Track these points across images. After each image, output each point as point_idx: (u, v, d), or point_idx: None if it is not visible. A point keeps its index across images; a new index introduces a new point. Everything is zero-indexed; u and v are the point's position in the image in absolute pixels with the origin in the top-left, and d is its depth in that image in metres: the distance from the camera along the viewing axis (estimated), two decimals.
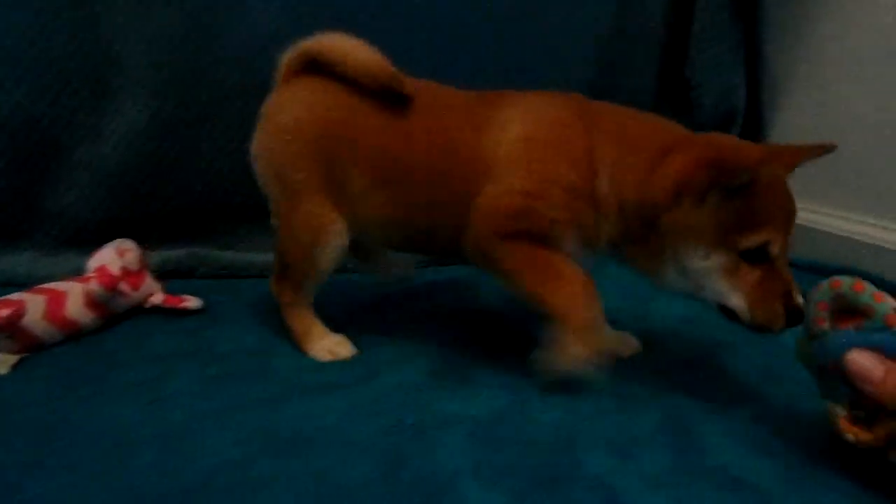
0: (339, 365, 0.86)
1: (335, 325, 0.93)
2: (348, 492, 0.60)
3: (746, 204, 0.68)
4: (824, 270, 1.25)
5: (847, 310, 0.61)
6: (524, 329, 0.93)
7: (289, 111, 0.87)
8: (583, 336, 0.74)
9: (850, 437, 0.59)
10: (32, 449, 0.66)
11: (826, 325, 0.61)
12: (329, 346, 0.89)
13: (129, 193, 1.18)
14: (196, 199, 1.23)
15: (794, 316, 0.68)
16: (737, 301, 0.71)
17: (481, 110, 0.82)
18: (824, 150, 0.75)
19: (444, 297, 1.18)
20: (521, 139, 0.78)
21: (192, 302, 1.05)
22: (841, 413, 0.61)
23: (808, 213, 1.39)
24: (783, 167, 0.72)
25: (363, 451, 0.66)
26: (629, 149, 0.76)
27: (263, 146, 0.89)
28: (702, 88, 1.44)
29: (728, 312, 0.73)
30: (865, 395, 0.56)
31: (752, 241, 0.68)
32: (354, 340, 0.92)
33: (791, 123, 1.47)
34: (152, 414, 0.73)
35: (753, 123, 1.51)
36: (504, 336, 0.99)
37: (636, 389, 0.81)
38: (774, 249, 0.69)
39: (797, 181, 1.40)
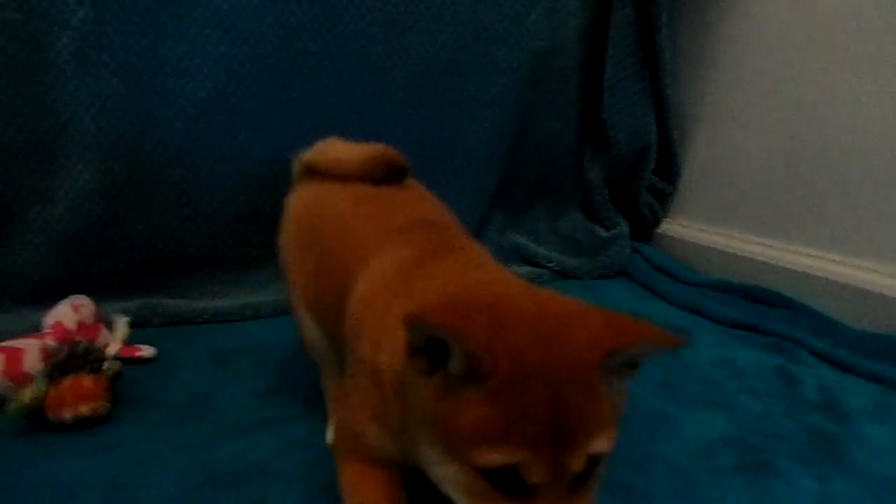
0: (275, 403, 0.95)
1: (275, 367, 1.01)
2: None
3: (483, 400, 0.45)
4: (728, 288, 1.39)
5: None
6: None
7: (294, 205, 0.92)
8: None
9: None
10: None
11: None
12: None
13: (82, 251, 1.25)
14: (148, 253, 1.31)
15: None
16: None
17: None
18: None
19: None
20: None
21: (146, 351, 1.12)
22: None
23: (717, 237, 1.53)
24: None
25: (291, 481, 0.74)
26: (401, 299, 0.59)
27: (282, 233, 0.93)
28: (616, 129, 1.57)
29: None
30: None
31: (487, 458, 0.45)
32: (293, 378, 1.01)
33: (699, 157, 1.62)
34: (98, 461, 0.79)
35: (666, 158, 1.65)
36: None
37: None
38: (532, 478, 0.45)
39: (701, 206, 1.54)
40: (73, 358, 0.87)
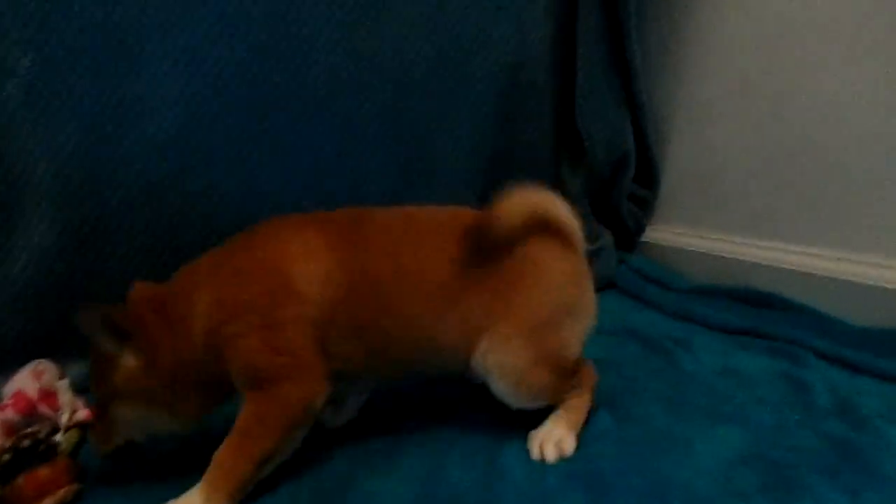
0: None
1: None
2: None
3: None
4: (722, 292, 1.35)
5: None
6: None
7: None
8: None
9: None
10: None
11: None
12: None
13: (43, 311, 1.17)
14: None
15: None
16: None
17: None
18: None
19: None
20: None
21: None
22: None
23: (704, 240, 1.51)
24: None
25: None
26: None
27: None
28: (592, 139, 1.54)
29: None
30: None
31: None
32: None
33: (677, 158, 1.60)
34: None
35: (645, 164, 1.63)
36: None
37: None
38: None
39: (685, 210, 1.50)
40: (18, 455, 0.78)
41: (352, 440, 0.91)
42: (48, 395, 0.97)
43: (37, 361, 1.02)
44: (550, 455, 0.81)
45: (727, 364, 1.06)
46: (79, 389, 1.06)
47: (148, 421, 0.82)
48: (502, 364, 0.81)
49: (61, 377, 1.03)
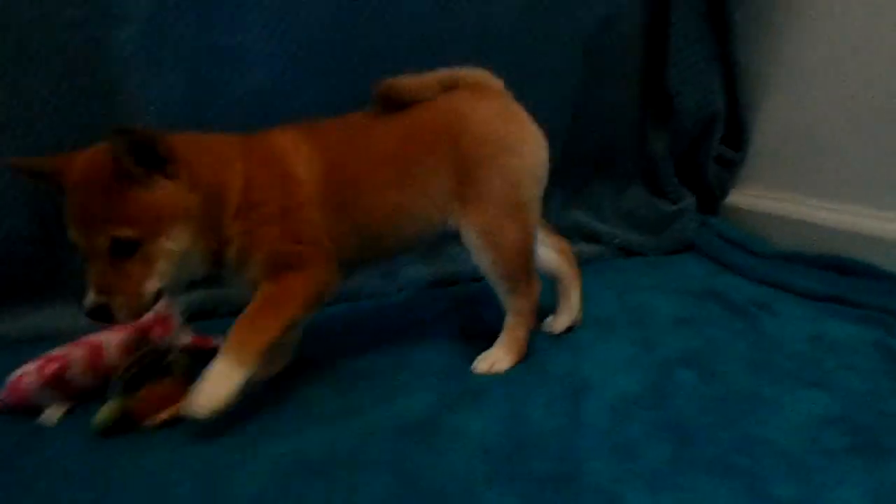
0: (356, 390, 0.93)
1: (352, 352, 1.00)
2: None
3: None
4: (809, 259, 1.32)
5: None
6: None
7: None
8: None
9: None
10: (77, 497, 0.73)
11: None
12: None
13: None
14: None
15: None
16: None
17: None
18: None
19: (450, 317, 1.25)
20: None
21: (218, 341, 1.12)
22: None
23: (793, 205, 1.46)
24: None
25: (381, 470, 0.73)
26: None
27: None
28: (682, 96, 1.50)
29: None
30: None
31: None
32: (371, 365, 1.00)
33: (770, 122, 1.54)
34: (185, 453, 0.80)
35: (735, 125, 1.57)
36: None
37: (635, 389, 0.87)
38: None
39: (773, 173, 1.44)
40: (142, 370, 0.86)
41: (436, 381, 0.95)
42: (164, 318, 1.05)
43: None
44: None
45: (815, 330, 1.04)
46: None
47: (186, 255, 0.84)
48: (468, 216, 0.95)
49: (170, 306, 1.11)
